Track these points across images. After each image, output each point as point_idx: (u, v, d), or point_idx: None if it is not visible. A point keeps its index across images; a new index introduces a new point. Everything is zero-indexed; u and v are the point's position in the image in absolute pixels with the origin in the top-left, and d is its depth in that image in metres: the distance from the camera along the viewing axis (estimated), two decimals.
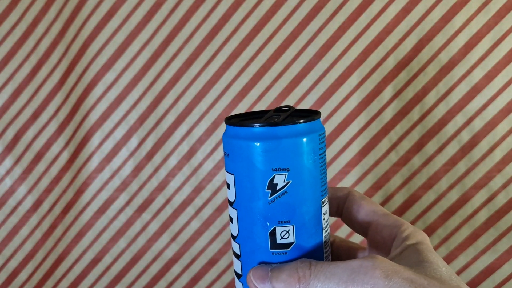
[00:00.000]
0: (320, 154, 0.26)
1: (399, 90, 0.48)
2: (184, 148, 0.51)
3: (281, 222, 0.26)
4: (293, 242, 0.26)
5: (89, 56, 0.51)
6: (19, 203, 0.54)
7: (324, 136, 0.27)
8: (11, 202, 0.54)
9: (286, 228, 0.26)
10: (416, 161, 0.48)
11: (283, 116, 0.27)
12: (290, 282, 0.24)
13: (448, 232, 0.48)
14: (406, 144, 0.48)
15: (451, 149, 0.48)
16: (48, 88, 0.52)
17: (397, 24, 0.47)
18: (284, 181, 0.26)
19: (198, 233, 0.52)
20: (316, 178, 0.26)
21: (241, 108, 0.50)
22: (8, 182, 0.54)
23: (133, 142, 0.51)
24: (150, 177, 0.52)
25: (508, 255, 0.48)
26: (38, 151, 0.53)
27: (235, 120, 0.27)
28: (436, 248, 0.48)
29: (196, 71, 0.50)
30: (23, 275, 0.55)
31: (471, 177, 0.48)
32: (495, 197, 0.47)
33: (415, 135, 0.48)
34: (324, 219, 0.27)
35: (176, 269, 0.52)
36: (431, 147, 0.48)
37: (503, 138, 0.47)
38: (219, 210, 0.51)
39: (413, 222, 0.48)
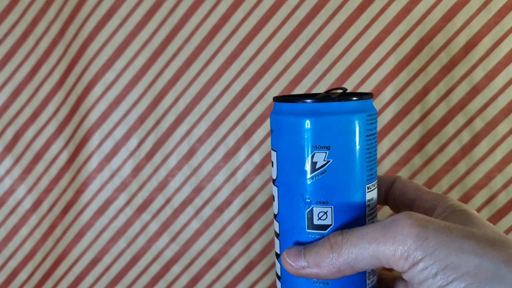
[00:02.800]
0: (367, 136, 0.26)
1: (399, 90, 0.48)
2: (184, 148, 0.51)
3: (319, 202, 0.26)
4: (331, 225, 0.26)
5: (89, 56, 0.51)
6: (19, 203, 0.54)
7: (375, 119, 0.26)
8: (11, 202, 0.54)
9: (324, 209, 0.26)
10: (417, 161, 0.48)
11: (330, 94, 0.26)
12: (323, 252, 0.24)
13: None
14: (407, 144, 0.48)
15: (452, 149, 0.48)
16: (47, 88, 0.52)
17: (398, 23, 0.47)
18: (324, 160, 0.25)
19: (198, 233, 0.52)
20: (360, 161, 0.25)
21: (241, 108, 0.50)
22: (7, 182, 0.54)
23: (133, 142, 0.51)
24: (150, 177, 0.52)
25: None
26: (37, 151, 0.53)
27: (281, 97, 0.27)
28: None
29: (196, 71, 0.50)
30: (22, 275, 0.55)
31: (471, 177, 0.47)
32: (496, 197, 0.47)
33: (415, 135, 0.48)
34: (368, 206, 0.26)
35: (176, 269, 0.52)
36: (431, 147, 0.48)
37: (504, 138, 0.47)
38: (219, 210, 0.51)
39: None
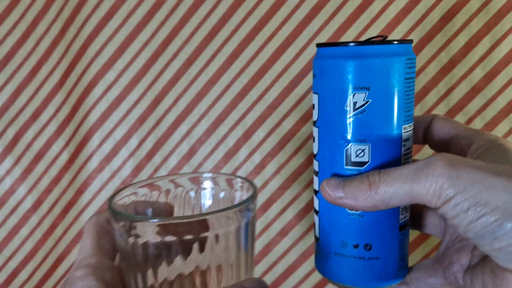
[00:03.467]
0: (405, 79, 0.27)
1: None
2: (184, 148, 0.51)
3: (357, 140, 0.27)
4: (368, 162, 0.27)
5: (89, 56, 0.51)
6: (19, 203, 0.54)
7: (414, 63, 0.27)
8: (11, 202, 0.54)
9: (362, 147, 0.27)
10: None
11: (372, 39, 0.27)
12: (361, 188, 0.26)
13: None
14: None
15: None
16: (48, 88, 0.52)
17: (398, 24, 0.47)
18: (363, 100, 0.26)
19: None
20: (398, 102, 0.27)
21: (241, 108, 0.50)
22: (8, 182, 0.54)
23: (133, 142, 0.51)
24: (150, 177, 0.52)
25: None
26: (38, 151, 0.53)
27: (324, 43, 0.28)
28: (435, 248, 0.48)
29: (196, 71, 0.50)
30: (23, 275, 0.55)
31: None
32: None
33: None
34: (404, 145, 0.28)
35: None
36: None
37: (504, 137, 0.47)
38: None
39: None
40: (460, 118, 0.47)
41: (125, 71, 0.51)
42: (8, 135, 0.53)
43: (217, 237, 0.27)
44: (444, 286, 0.30)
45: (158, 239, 0.26)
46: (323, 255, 0.30)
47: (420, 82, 0.48)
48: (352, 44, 0.27)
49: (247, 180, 0.32)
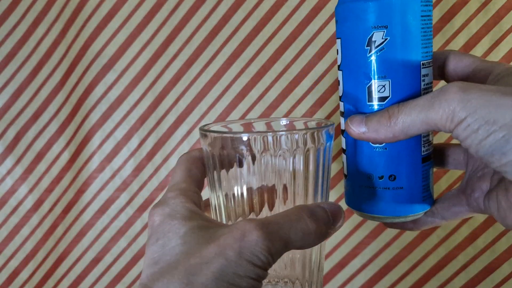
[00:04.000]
0: (422, 17, 0.28)
1: None
2: (185, 148, 0.51)
3: (378, 77, 0.29)
4: (389, 96, 0.29)
5: (90, 57, 0.51)
6: (20, 203, 0.54)
7: (430, 4, 0.29)
8: (12, 202, 0.54)
9: (383, 83, 0.29)
10: None
11: None
12: (382, 121, 0.27)
13: (448, 232, 0.48)
14: None
15: None
16: (48, 88, 0.52)
17: None
18: (382, 38, 0.28)
19: None
20: (415, 39, 0.28)
21: (241, 108, 0.50)
22: (9, 182, 0.54)
23: (134, 142, 0.52)
24: (150, 177, 0.52)
25: (507, 255, 0.48)
26: (38, 151, 0.53)
27: None
28: (435, 248, 0.49)
29: (196, 71, 0.50)
30: (24, 275, 0.55)
31: None
32: None
33: None
34: (423, 80, 0.29)
35: None
36: None
37: None
38: None
39: None
40: None
41: (126, 71, 0.51)
42: (9, 135, 0.53)
43: (300, 154, 0.29)
44: (467, 212, 0.32)
45: (246, 153, 0.28)
46: (351, 190, 0.32)
47: None
48: None
49: (324, 120, 0.33)
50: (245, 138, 0.28)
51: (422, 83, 0.29)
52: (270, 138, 0.28)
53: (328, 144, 0.30)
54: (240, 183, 0.29)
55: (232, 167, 0.29)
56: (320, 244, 0.31)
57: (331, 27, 0.48)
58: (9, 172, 0.54)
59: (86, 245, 0.53)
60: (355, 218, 0.49)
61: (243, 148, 0.28)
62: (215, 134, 0.29)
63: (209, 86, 0.50)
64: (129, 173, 0.52)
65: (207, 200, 0.32)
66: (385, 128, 0.27)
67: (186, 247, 0.25)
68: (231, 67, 0.50)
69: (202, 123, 0.51)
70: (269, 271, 0.25)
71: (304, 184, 0.29)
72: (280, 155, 0.28)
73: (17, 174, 0.54)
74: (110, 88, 0.51)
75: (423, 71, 0.29)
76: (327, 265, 0.50)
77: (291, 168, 0.29)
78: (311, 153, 0.29)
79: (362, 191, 0.31)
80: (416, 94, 0.29)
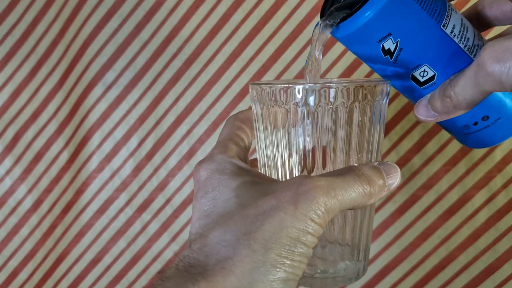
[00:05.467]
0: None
1: None
2: (184, 148, 0.51)
3: (413, 68, 0.29)
4: (435, 73, 0.29)
5: (89, 56, 0.51)
6: (19, 203, 0.54)
7: None
8: (11, 202, 0.54)
9: (421, 69, 0.29)
10: (416, 161, 0.48)
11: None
12: (447, 106, 0.28)
13: (448, 232, 0.48)
14: (406, 144, 0.48)
15: (451, 149, 0.48)
16: (48, 88, 0.52)
17: None
18: (393, 43, 0.28)
19: None
20: (419, 17, 0.28)
21: (241, 108, 0.50)
22: (8, 182, 0.54)
23: (133, 142, 0.51)
24: (150, 177, 0.52)
25: (509, 255, 0.48)
26: (38, 151, 0.53)
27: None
28: (436, 248, 0.48)
29: (196, 71, 0.50)
30: (23, 275, 0.55)
31: (471, 177, 0.47)
32: (496, 197, 0.47)
33: (415, 135, 0.48)
34: (453, 34, 0.28)
35: None
36: (431, 147, 0.48)
37: None
38: None
39: (413, 222, 0.48)
40: None
41: (125, 71, 0.51)
42: (8, 135, 0.53)
43: (357, 108, 0.28)
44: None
45: (299, 107, 0.28)
46: (460, 141, 0.33)
47: None
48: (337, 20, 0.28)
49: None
50: (300, 88, 0.27)
51: (457, 39, 0.28)
52: (327, 90, 0.27)
53: (385, 99, 0.29)
54: (291, 141, 0.29)
55: (283, 124, 0.29)
56: (370, 209, 0.30)
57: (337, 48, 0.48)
58: (8, 172, 0.53)
59: (85, 245, 0.53)
60: None
61: (297, 100, 0.27)
62: (267, 87, 0.28)
63: (209, 86, 0.50)
64: (129, 173, 0.52)
65: (254, 160, 0.32)
66: (452, 109, 0.28)
67: (240, 199, 0.25)
68: (231, 66, 0.49)
69: (202, 123, 0.50)
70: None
71: (358, 140, 0.29)
72: (336, 108, 0.28)
73: (16, 174, 0.53)
74: (109, 87, 0.51)
75: (447, 30, 0.28)
76: None
77: (347, 123, 0.28)
78: (368, 108, 0.28)
79: (468, 138, 0.32)
80: (455, 52, 0.28)
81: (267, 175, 0.31)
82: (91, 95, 0.51)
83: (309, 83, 0.28)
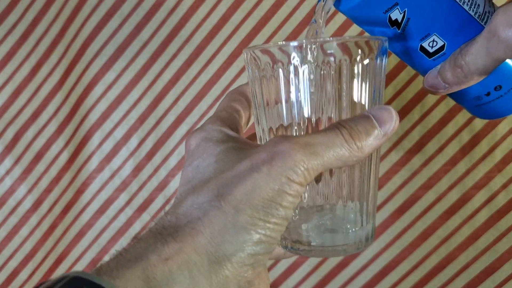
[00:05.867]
0: None
1: (399, 89, 0.48)
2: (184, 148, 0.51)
3: (422, 39, 0.28)
4: (445, 43, 0.28)
5: (89, 56, 0.51)
6: (19, 203, 0.54)
7: None
8: (11, 202, 0.54)
9: (430, 40, 0.28)
10: (416, 161, 0.48)
11: None
12: (457, 75, 0.27)
13: (448, 232, 0.48)
14: (406, 144, 0.48)
15: (452, 149, 0.48)
16: (48, 88, 0.52)
17: None
18: (400, 13, 0.27)
19: None
20: None
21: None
22: (8, 182, 0.54)
23: (133, 142, 0.51)
24: (150, 177, 0.52)
25: (509, 255, 0.48)
26: (38, 151, 0.53)
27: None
28: (436, 248, 0.48)
29: (196, 71, 0.50)
30: (23, 275, 0.55)
31: (471, 177, 0.47)
32: (496, 197, 0.47)
33: (415, 135, 0.48)
34: (462, 1, 0.28)
35: None
36: (431, 147, 0.48)
37: (504, 138, 0.47)
38: None
39: (413, 222, 0.48)
40: (460, 118, 0.47)
41: (125, 71, 0.51)
42: (8, 135, 0.53)
43: (354, 65, 0.27)
44: None
45: (295, 65, 0.26)
46: (472, 113, 0.33)
47: (420, 82, 0.47)
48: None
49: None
50: (295, 45, 0.26)
51: (470, 11, 0.28)
52: (326, 46, 0.26)
53: (384, 57, 0.28)
54: (289, 105, 0.27)
55: (278, 89, 0.27)
56: (372, 160, 0.28)
57: (331, 26, 0.48)
58: (8, 172, 0.53)
59: (85, 245, 0.53)
60: None
61: (293, 57, 0.26)
62: (263, 48, 0.27)
63: (209, 86, 0.50)
64: (129, 173, 0.52)
65: (255, 134, 0.32)
66: (464, 79, 0.27)
67: (219, 165, 0.25)
68: (231, 66, 0.49)
69: (202, 123, 0.50)
70: (314, 194, 0.24)
71: (356, 98, 0.27)
72: (336, 65, 0.26)
73: (16, 174, 0.53)
74: (109, 87, 0.51)
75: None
76: (327, 266, 0.50)
77: (344, 83, 0.27)
78: (368, 64, 0.27)
79: (481, 109, 0.31)
80: (468, 23, 0.28)
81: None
82: (91, 95, 0.51)
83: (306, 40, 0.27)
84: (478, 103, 0.31)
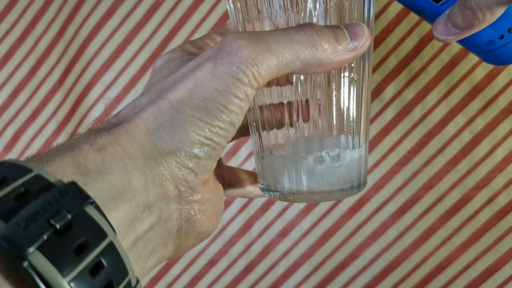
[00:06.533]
0: None
1: (400, 89, 0.48)
2: None
3: None
4: None
5: (88, 56, 0.51)
6: None
7: None
8: None
9: None
10: (417, 161, 0.48)
11: None
12: (467, 19, 0.26)
13: (449, 232, 0.48)
14: (407, 144, 0.48)
15: (452, 149, 0.47)
16: (47, 87, 0.52)
17: (398, 23, 0.47)
18: None
19: None
20: None
21: None
22: None
23: None
24: None
25: (510, 255, 0.47)
26: (37, 150, 0.53)
27: None
28: (436, 249, 0.48)
29: None
30: None
31: (472, 177, 0.47)
32: (496, 198, 0.47)
33: (416, 135, 0.48)
34: None
35: (175, 269, 0.52)
36: (432, 147, 0.48)
37: (505, 138, 0.47)
38: None
39: (414, 223, 0.48)
40: (461, 118, 0.47)
41: (125, 71, 0.50)
42: (7, 134, 0.53)
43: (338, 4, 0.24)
44: None
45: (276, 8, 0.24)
46: (485, 60, 0.32)
47: (421, 82, 0.47)
48: None
49: None
50: None
51: None
52: None
53: None
54: None
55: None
56: (360, 87, 0.26)
57: None
58: None
59: None
60: (357, 219, 0.49)
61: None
62: None
63: None
64: None
65: None
66: (473, 22, 0.26)
67: (170, 70, 0.23)
68: None
69: None
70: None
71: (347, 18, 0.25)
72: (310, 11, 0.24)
73: None
74: (108, 87, 0.51)
75: None
76: (327, 267, 0.50)
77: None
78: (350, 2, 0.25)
79: (493, 54, 0.30)
80: None
81: (252, 130, 0.28)
82: (90, 94, 0.51)
83: None
84: (492, 48, 0.30)
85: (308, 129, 0.26)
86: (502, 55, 0.30)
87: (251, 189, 0.32)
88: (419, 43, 0.47)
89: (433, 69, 0.47)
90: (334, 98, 0.25)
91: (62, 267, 0.16)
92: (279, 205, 0.50)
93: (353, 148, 0.26)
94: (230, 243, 0.51)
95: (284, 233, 0.50)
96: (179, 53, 0.26)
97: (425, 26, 0.47)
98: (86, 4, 0.50)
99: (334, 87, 0.25)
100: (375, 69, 0.48)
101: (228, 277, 0.51)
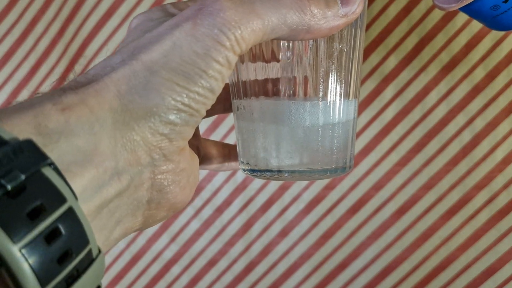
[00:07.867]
0: None
1: (400, 89, 0.48)
2: None
3: None
4: None
5: (88, 56, 0.51)
6: None
7: None
8: None
9: None
10: (417, 161, 0.48)
11: None
12: None
13: (449, 232, 0.48)
14: (407, 144, 0.48)
15: (452, 149, 0.47)
16: (47, 87, 0.52)
17: (398, 23, 0.47)
18: None
19: (198, 233, 0.51)
20: None
21: None
22: None
23: None
24: None
25: (510, 256, 0.47)
26: None
27: None
28: (436, 249, 0.48)
29: None
30: None
31: (472, 178, 0.47)
32: (496, 198, 0.47)
33: (416, 135, 0.48)
34: None
35: (175, 270, 0.52)
36: (432, 147, 0.48)
37: (505, 138, 0.47)
38: (219, 210, 0.51)
39: (413, 223, 0.48)
40: (461, 118, 0.47)
41: None
42: None
43: None
44: None
45: None
46: (490, 27, 0.32)
47: (421, 81, 0.47)
48: None
49: None
50: None
51: None
52: None
53: None
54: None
55: None
56: (354, 56, 0.25)
57: None
58: None
59: None
60: (357, 219, 0.49)
61: None
62: None
63: None
64: None
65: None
66: None
67: (145, 31, 0.22)
68: None
69: (202, 122, 0.50)
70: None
71: None
72: None
73: None
74: None
75: None
76: (327, 267, 0.50)
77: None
78: None
79: (498, 19, 0.30)
80: None
81: (234, 95, 0.27)
82: None
83: None
84: (496, 13, 0.29)
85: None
86: (508, 19, 0.30)
87: (226, 163, 0.31)
88: (419, 43, 0.47)
89: (433, 69, 0.47)
90: (321, 73, 0.24)
91: (12, 232, 0.14)
92: (279, 205, 0.50)
93: (340, 125, 0.25)
94: (230, 243, 0.51)
95: (284, 233, 0.50)
96: (159, 13, 0.24)
97: (425, 26, 0.47)
98: (86, 4, 0.50)
99: (322, 56, 0.24)
100: (375, 69, 0.48)
101: (228, 277, 0.51)
